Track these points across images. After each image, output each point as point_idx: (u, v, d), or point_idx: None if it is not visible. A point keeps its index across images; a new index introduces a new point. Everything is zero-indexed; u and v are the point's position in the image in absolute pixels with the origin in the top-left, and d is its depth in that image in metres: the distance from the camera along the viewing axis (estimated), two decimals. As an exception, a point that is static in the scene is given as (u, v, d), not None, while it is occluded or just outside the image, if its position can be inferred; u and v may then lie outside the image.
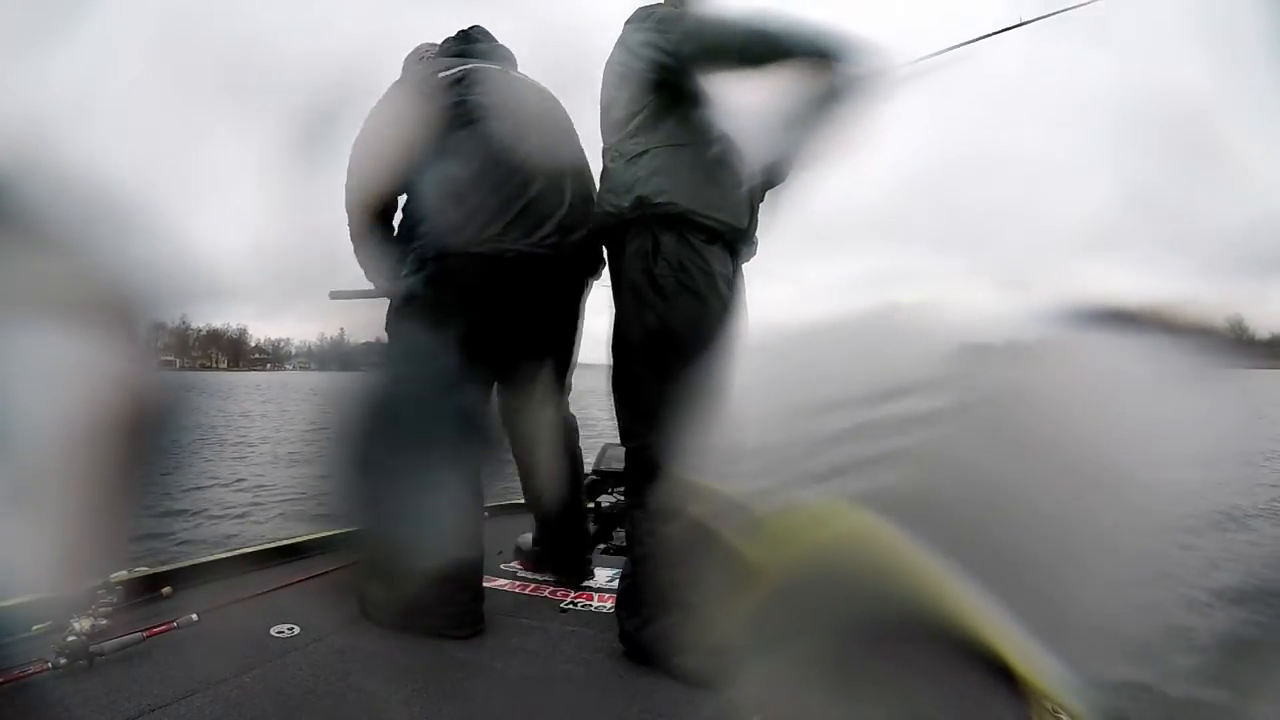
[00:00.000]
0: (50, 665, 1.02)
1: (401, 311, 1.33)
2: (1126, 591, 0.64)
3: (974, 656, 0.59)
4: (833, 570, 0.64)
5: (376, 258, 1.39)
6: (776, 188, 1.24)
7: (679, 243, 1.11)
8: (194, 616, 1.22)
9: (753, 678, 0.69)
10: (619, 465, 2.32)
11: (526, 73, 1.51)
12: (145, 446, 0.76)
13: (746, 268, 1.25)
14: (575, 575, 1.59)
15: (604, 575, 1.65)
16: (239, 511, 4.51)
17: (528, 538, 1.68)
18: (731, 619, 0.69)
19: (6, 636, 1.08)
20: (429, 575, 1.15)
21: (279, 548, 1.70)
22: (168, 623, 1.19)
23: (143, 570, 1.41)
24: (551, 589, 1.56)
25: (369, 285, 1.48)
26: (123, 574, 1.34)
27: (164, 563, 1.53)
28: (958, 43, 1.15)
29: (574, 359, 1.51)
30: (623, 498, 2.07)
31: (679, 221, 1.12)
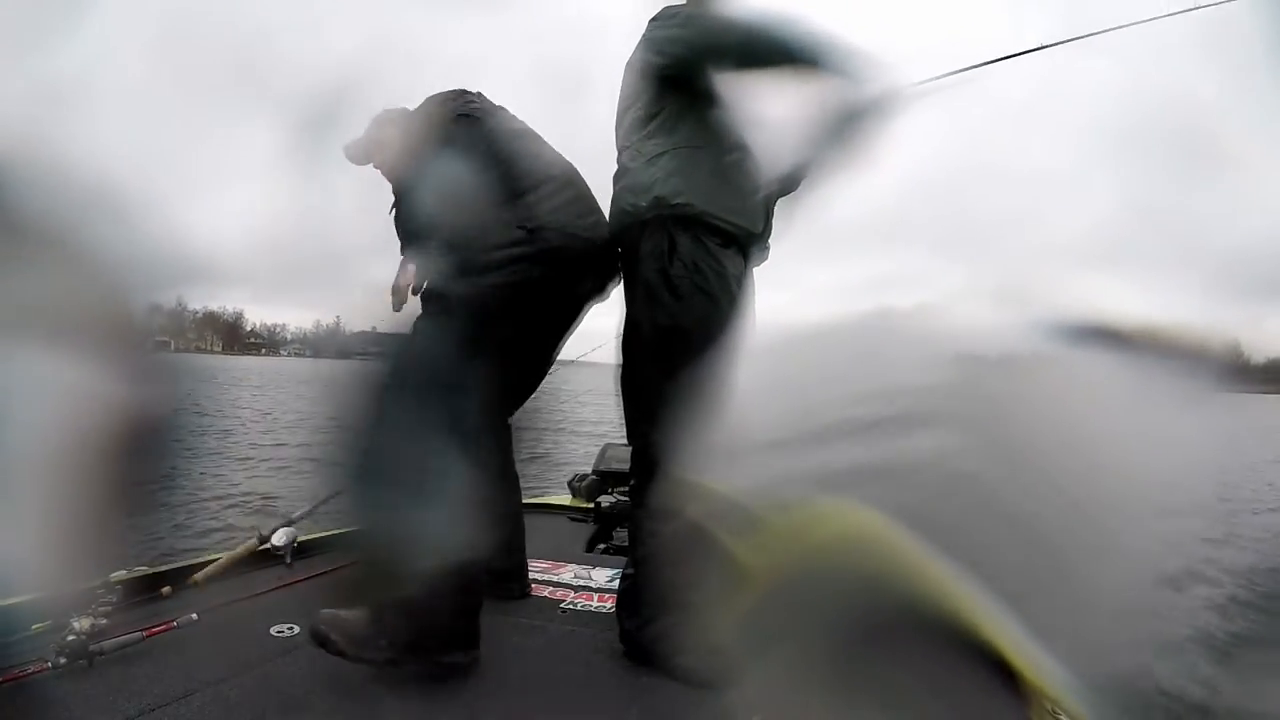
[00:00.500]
0: (50, 665, 1.02)
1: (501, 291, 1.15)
2: (1123, 595, 0.64)
3: (974, 656, 0.59)
4: (833, 570, 0.64)
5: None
6: (790, 195, 1.25)
7: (694, 244, 1.12)
8: (194, 616, 1.22)
9: (753, 678, 0.69)
10: (619, 465, 2.33)
11: (528, 77, 1.52)
12: (145, 444, 0.76)
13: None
14: (517, 587, 1.51)
15: (604, 575, 1.65)
16: (235, 503, 4.52)
17: None
18: (732, 619, 0.69)
19: (6, 636, 1.07)
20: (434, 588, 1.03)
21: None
22: (167, 622, 1.19)
23: (142, 570, 1.41)
24: (551, 589, 1.56)
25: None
26: (122, 574, 1.34)
27: (164, 563, 1.53)
28: (973, 64, 1.18)
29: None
30: (623, 497, 2.08)
31: (695, 223, 1.12)
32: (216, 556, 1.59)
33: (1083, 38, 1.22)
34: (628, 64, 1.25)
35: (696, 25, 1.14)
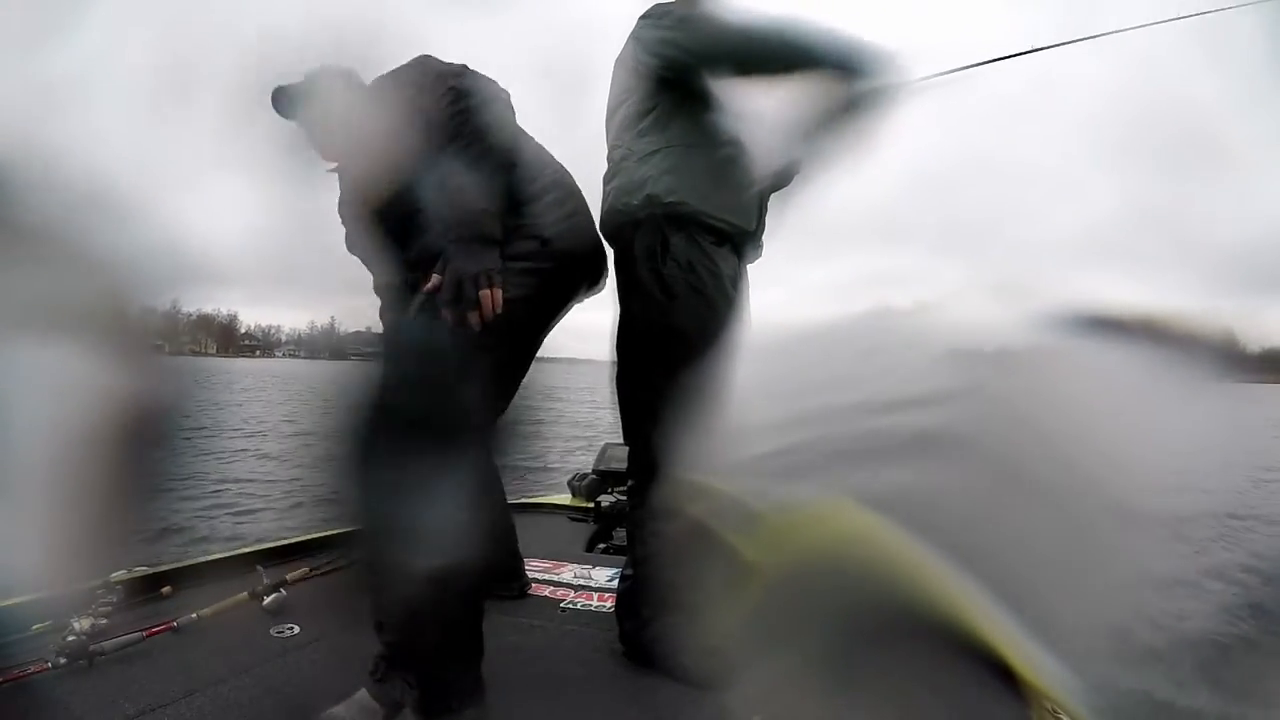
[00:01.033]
0: (50, 665, 1.02)
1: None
2: (1123, 595, 0.64)
3: (974, 656, 0.59)
4: (833, 570, 0.64)
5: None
6: (783, 191, 1.24)
7: (688, 243, 1.12)
8: (194, 616, 1.22)
9: (753, 678, 0.69)
10: (619, 465, 2.33)
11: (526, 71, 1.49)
12: (146, 443, 0.76)
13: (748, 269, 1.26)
14: (515, 586, 1.52)
15: (604, 575, 1.65)
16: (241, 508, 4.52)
17: None
18: (732, 619, 0.69)
19: (6, 636, 1.08)
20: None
21: (279, 548, 1.70)
22: (167, 622, 1.19)
23: (143, 570, 1.41)
24: (551, 589, 1.56)
25: None
26: (123, 574, 1.34)
27: (164, 563, 1.53)
28: (969, 64, 1.17)
29: None
30: (623, 498, 2.08)
31: (688, 222, 1.12)
32: (217, 556, 1.60)
33: (1077, 41, 1.22)
34: (617, 61, 1.24)
35: (692, 29, 1.12)
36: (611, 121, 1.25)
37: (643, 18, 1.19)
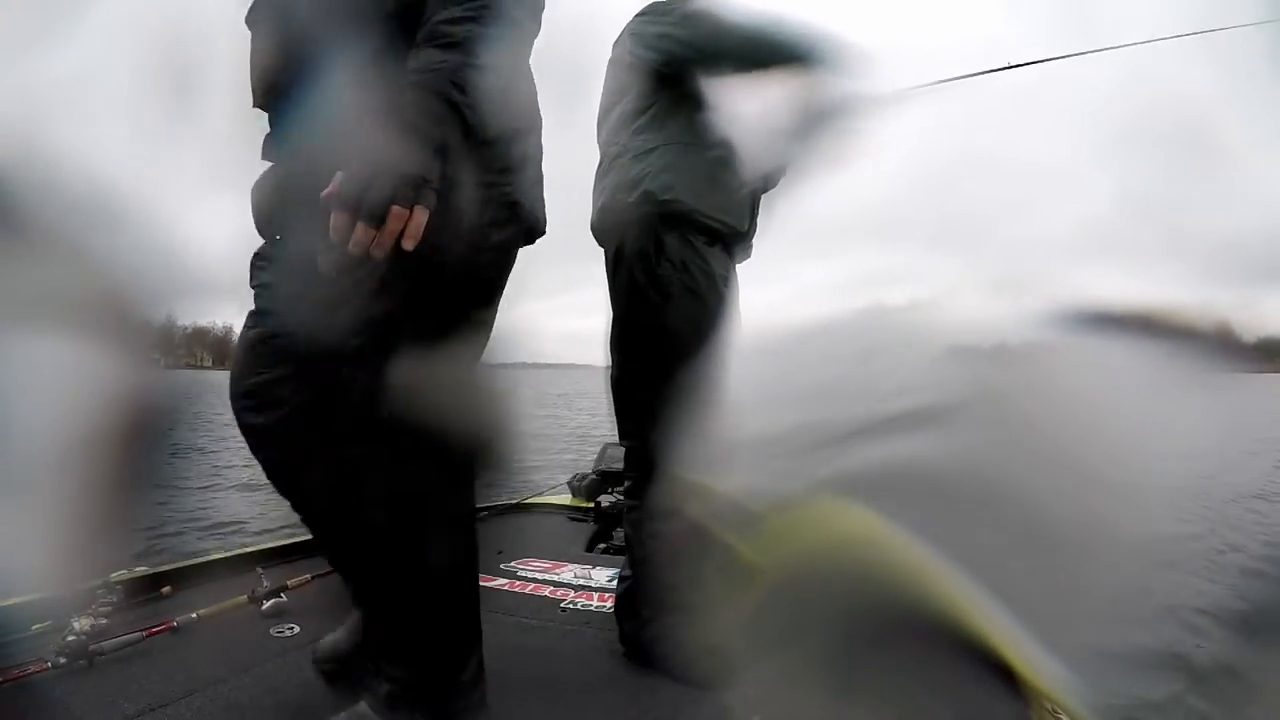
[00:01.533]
0: (50, 665, 1.02)
1: None
2: (1123, 594, 0.64)
3: (974, 656, 0.59)
4: (833, 570, 0.64)
5: None
6: (770, 192, 1.25)
7: (681, 243, 1.12)
8: (194, 616, 1.22)
9: (752, 678, 0.69)
10: (619, 465, 2.33)
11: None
12: (145, 445, 0.76)
13: (741, 269, 1.26)
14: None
15: (604, 575, 1.65)
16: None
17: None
18: (731, 619, 0.69)
19: (6, 636, 1.08)
20: None
21: (279, 548, 1.70)
22: (167, 622, 1.19)
23: (143, 570, 1.41)
24: (551, 589, 1.56)
25: None
26: (123, 574, 1.34)
27: (164, 562, 1.53)
28: (951, 76, 1.23)
29: None
30: (623, 498, 2.08)
31: (682, 221, 1.12)
32: (217, 556, 1.60)
33: (1051, 59, 1.26)
34: (612, 59, 1.24)
35: (694, 26, 1.12)
36: (605, 120, 1.24)
37: (640, 14, 1.19)
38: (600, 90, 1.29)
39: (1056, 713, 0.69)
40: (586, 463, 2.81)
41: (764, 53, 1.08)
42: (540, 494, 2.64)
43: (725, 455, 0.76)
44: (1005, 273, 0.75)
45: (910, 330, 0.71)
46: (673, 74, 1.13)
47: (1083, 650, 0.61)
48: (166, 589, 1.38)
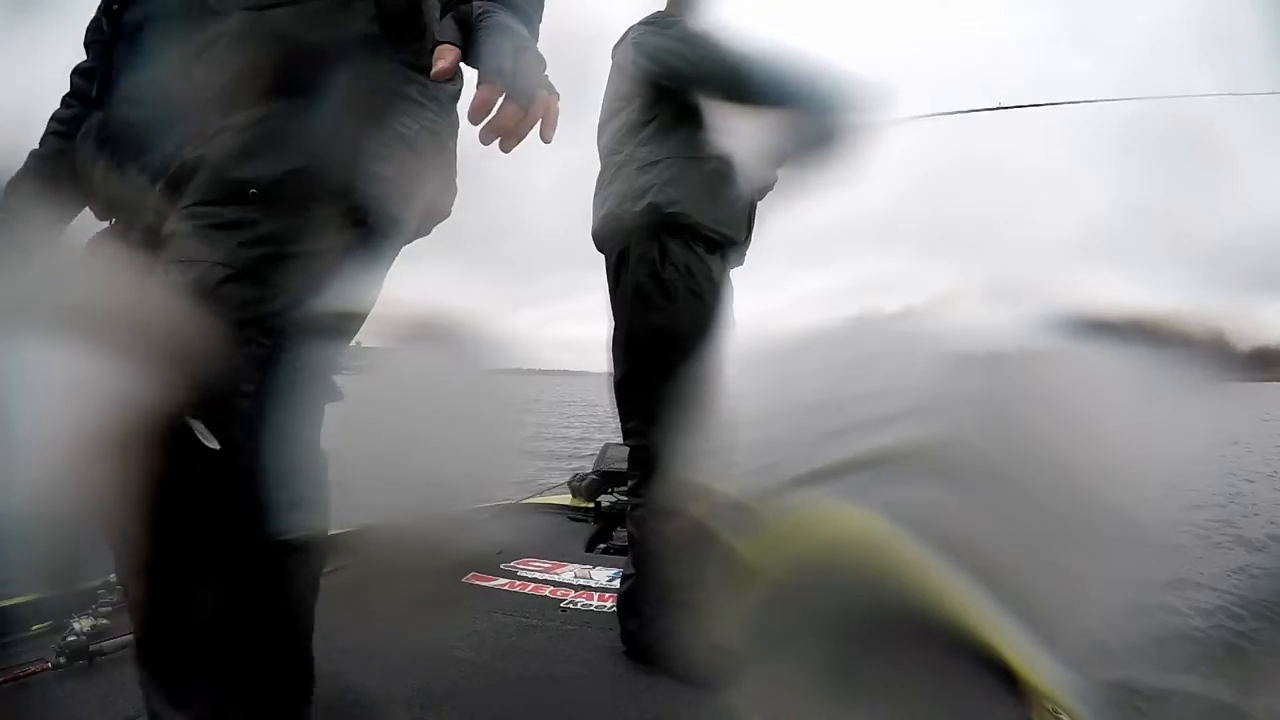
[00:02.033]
0: (50, 665, 1.02)
1: None
2: (1122, 595, 0.64)
3: (974, 656, 0.59)
4: (833, 570, 0.64)
5: None
6: (764, 201, 1.27)
7: (684, 249, 1.14)
8: (194, 616, 1.22)
9: (753, 678, 0.69)
10: (619, 465, 2.33)
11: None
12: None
13: (735, 276, 1.28)
14: None
15: (604, 575, 1.65)
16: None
17: None
18: (732, 619, 0.70)
19: (6, 636, 1.08)
20: None
21: None
22: (168, 622, 1.19)
23: (143, 570, 1.41)
24: (551, 589, 1.56)
25: None
26: (123, 574, 1.33)
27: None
28: (940, 111, 1.24)
29: None
30: (623, 498, 2.08)
31: (685, 231, 1.14)
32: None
33: (1041, 105, 1.29)
34: (613, 68, 1.25)
35: (695, 47, 1.13)
36: (606, 127, 1.25)
37: (644, 23, 1.20)
38: (596, 96, 1.30)
39: (1056, 713, 0.70)
40: (571, 454, 2.81)
41: (753, 91, 1.08)
42: (540, 494, 2.64)
43: (726, 456, 0.76)
44: (1001, 279, 0.75)
45: (905, 338, 0.71)
46: (670, 86, 1.15)
47: (1081, 641, 0.61)
48: (166, 589, 1.38)
